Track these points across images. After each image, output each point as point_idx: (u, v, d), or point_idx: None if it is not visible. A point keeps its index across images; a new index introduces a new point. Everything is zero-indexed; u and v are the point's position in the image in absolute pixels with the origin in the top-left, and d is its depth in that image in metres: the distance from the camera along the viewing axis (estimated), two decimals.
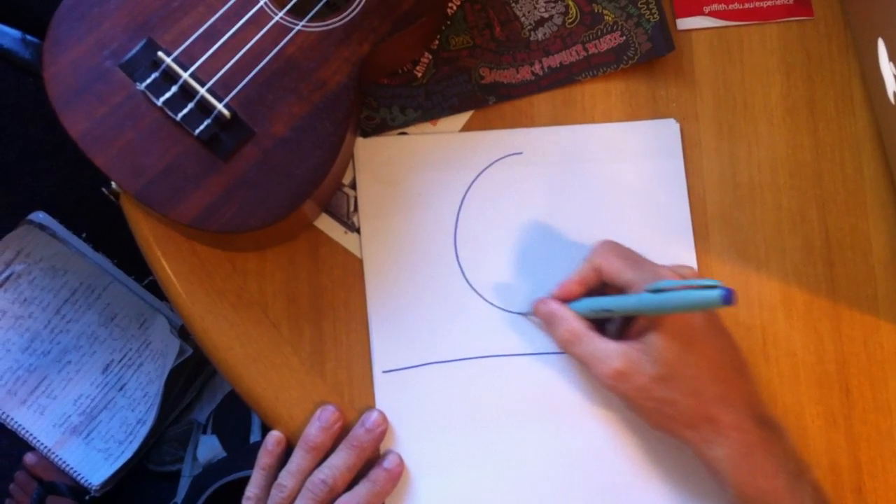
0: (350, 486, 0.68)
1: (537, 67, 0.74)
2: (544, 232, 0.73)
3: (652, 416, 0.64)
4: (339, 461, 0.68)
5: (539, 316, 0.69)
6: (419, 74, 0.73)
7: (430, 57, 0.74)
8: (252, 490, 0.69)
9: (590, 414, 0.70)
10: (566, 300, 0.67)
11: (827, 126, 0.76)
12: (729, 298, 0.55)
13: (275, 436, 0.70)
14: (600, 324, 0.67)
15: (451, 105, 0.73)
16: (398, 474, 0.69)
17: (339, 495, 0.67)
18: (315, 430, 0.68)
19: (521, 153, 0.73)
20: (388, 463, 0.69)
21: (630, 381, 0.62)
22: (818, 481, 0.64)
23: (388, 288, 0.71)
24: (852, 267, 0.74)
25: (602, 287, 0.67)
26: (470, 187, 0.73)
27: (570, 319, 0.66)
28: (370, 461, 0.69)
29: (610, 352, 0.63)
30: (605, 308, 0.64)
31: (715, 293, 0.55)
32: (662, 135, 0.74)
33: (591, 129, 0.74)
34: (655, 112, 0.75)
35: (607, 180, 0.73)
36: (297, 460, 0.68)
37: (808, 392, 0.72)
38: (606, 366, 0.63)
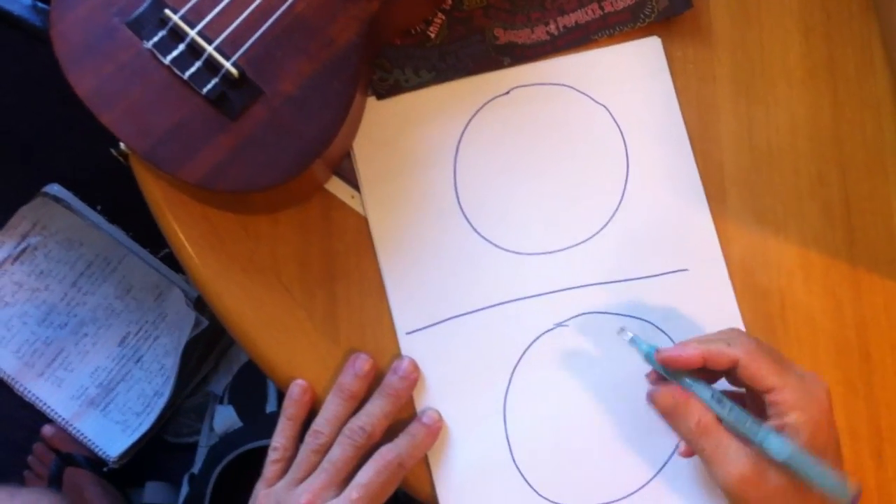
0: (386, 436, 0.67)
1: (552, 27, 0.73)
2: (542, 169, 0.72)
3: None
4: (376, 408, 0.67)
5: (660, 406, 0.62)
6: (432, 35, 0.72)
7: (444, 17, 0.72)
8: (279, 440, 0.69)
9: (619, 343, 0.69)
10: (678, 367, 0.62)
11: (847, 87, 0.74)
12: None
13: (300, 384, 0.69)
14: None
15: (465, 66, 0.72)
16: (437, 429, 0.69)
17: (376, 443, 0.67)
18: (350, 378, 0.68)
19: (507, 93, 0.73)
20: (427, 418, 0.69)
21: (752, 490, 0.59)
22: None
23: (398, 249, 0.71)
24: (872, 231, 0.72)
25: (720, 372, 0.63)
26: (462, 135, 0.72)
27: (702, 411, 0.60)
28: (406, 416, 0.69)
29: (738, 454, 0.59)
30: (723, 419, 0.60)
31: (844, 493, 0.56)
32: (646, 54, 0.73)
33: (573, 58, 0.73)
34: (672, 73, 0.73)
35: (597, 107, 0.73)
36: (333, 408, 0.68)
37: (827, 358, 0.71)
38: (733, 468, 0.59)
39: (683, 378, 0.62)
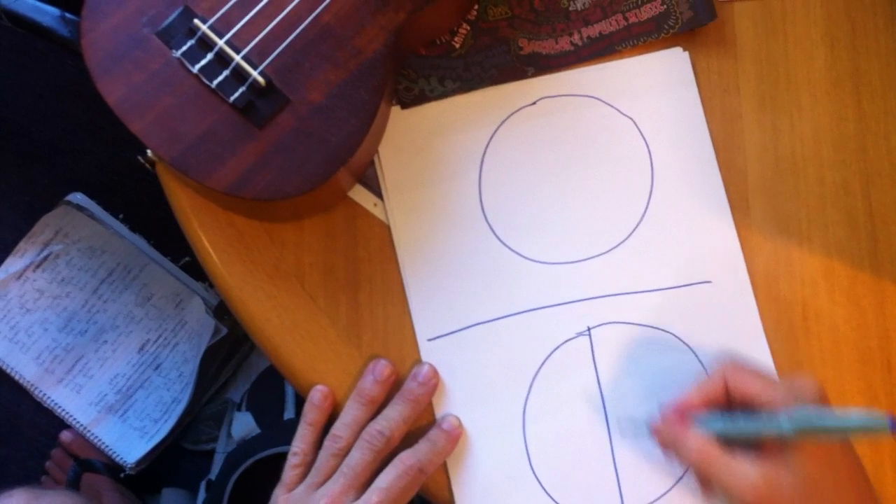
0: (404, 442, 0.68)
1: (576, 38, 0.73)
2: (567, 179, 0.72)
3: None
4: (395, 413, 0.68)
5: (660, 439, 0.65)
6: (457, 45, 0.73)
7: (469, 27, 0.73)
8: (299, 445, 0.69)
9: (639, 352, 0.70)
10: (684, 412, 0.64)
11: (871, 99, 0.74)
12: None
13: (321, 390, 0.70)
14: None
15: (490, 76, 0.72)
16: (457, 436, 0.69)
17: (395, 448, 0.67)
18: (370, 383, 0.68)
19: (534, 104, 0.73)
20: (447, 424, 0.69)
21: (771, 501, 0.59)
22: None
23: (421, 256, 0.71)
24: None
25: (724, 402, 0.64)
26: (488, 144, 0.73)
27: (698, 440, 0.62)
28: (426, 423, 0.70)
29: (748, 473, 0.60)
30: (740, 433, 0.61)
31: (881, 431, 0.54)
32: (672, 65, 0.74)
33: (600, 69, 0.74)
34: (696, 84, 0.73)
35: (623, 119, 0.73)
36: (353, 412, 0.68)
37: (849, 368, 0.71)
38: (745, 485, 0.59)
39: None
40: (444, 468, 0.69)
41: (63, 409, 1.46)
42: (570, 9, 0.73)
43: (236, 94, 0.63)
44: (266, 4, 0.65)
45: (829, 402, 0.61)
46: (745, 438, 0.61)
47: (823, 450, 0.59)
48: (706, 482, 0.66)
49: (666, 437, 0.64)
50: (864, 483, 0.62)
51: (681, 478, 0.69)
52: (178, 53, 0.64)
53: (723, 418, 0.62)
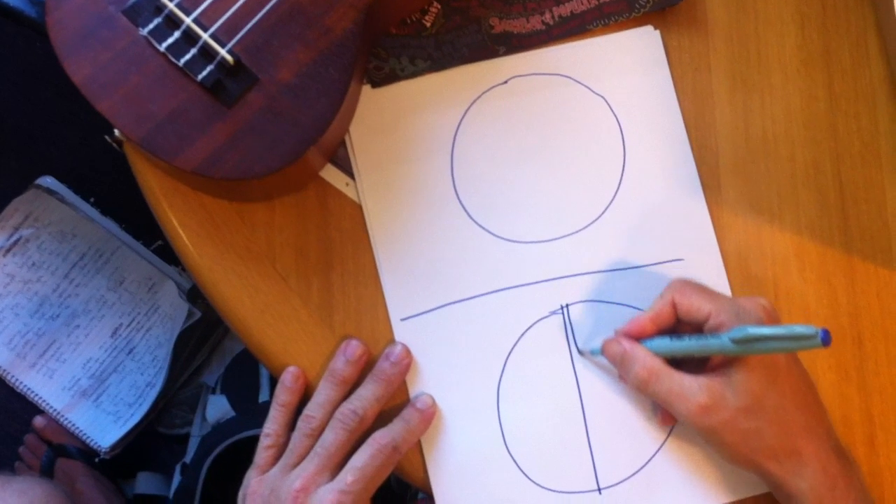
0: (378, 423, 0.68)
1: (548, 17, 0.73)
2: (539, 158, 0.72)
3: (735, 448, 0.62)
4: (368, 393, 0.68)
5: (609, 356, 0.67)
6: (428, 24, 0.72)
7: (439, 6, 0.72)
8: (271, 427, 0.69)
9: (612, 330, 0.70)
10: (636, 338, 0.66)
11: (842, 78, 0.74)
12: (828, 341, 0.55)
13: (293, 371, 0.70)
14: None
15: (461, 55, 0.72)
16: (431, 415, 0.69)
17: (368, 428, 0.67)
18: (342, 364, 0.68)
19: (505, 83, 0.73)
20: (421, 404, 0.69)
21: (715, 415, 0.61)
22: None
23: (393, 236, 0.71)
24: (867, 219, 0.73)
25: (675, 325, 0.66)
26: (460, 124, 0.72)
27: (644, 357, 0.64)
28: (400, 402, 0.70)
29: (692, 387, 0.61)
30: (686, 351, 0.63)
31: (813, 341, 0.55)
32: (644, 44, 0.74)
33: (572, 47, 0.73)
34: (668, 62, 0.73)
35: (595, 97, 0.73)
36: (326, 392, 0.68)
37: None
38: (690, 402, 0.61)
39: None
40: (419, 448, 0.70)
41: (36, 395, 1.45)
42: None
43: (204, 73, 0.63)
44: None
45: (771, 315, 0.63)
46: (690, 356, 0.64)
47: (767, 367, 0.61)
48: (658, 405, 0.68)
49: (616, 353, 0.66)
50: (812, 399, 0.64)
51: (653, 455, 0.69)
52: (144, 32, 0.63)
53: (669, 338, 0.64)
